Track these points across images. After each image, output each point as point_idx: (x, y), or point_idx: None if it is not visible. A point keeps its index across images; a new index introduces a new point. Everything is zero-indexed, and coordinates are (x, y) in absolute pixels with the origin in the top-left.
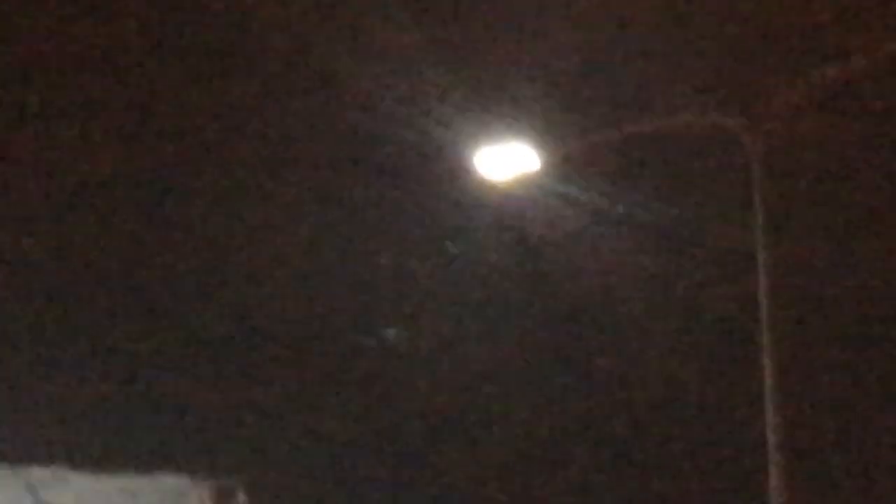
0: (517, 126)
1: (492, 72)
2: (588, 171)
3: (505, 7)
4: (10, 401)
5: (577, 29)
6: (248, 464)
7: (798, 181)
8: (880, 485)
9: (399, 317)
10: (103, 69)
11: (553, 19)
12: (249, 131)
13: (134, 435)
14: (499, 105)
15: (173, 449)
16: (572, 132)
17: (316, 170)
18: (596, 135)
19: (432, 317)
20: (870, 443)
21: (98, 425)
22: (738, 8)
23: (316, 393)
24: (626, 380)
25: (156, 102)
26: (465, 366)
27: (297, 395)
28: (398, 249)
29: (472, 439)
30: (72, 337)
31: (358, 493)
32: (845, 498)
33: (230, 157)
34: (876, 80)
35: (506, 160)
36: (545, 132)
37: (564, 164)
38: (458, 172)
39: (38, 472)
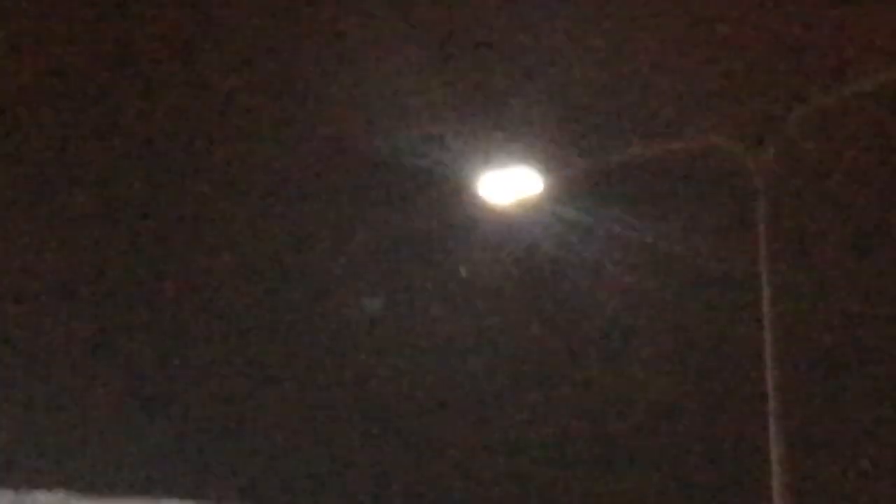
0: (520, 149)
1: (495, 95)
2: (591, 194)
3: (508, 32)
4: (14, 426)
5: (581, 53)
6: (251, 488)
7: (801, 204)
8: None
9: (401, 338)
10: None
11: (556, 44)
12: (252, 156)
13: (137, 460)
14: (502, 128)
15: (176, 474)
16: (575, 155)
17: (319, 194)
18: (599, 158)
19: (436, 339)
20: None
21: (101, 451)
22: (741, 32)
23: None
24: (629, 402)
25: (159, 124)
26: (466, 387)
27: (299, 424)
28: (401, 272)
29: (479, 459)
30: (75, 363)
31: None
32: None
33: (230, 182)
34: (878, 104)
35: (509, 183)
36: (548, 155)
37: (567, 188)
38: (462, 195)
39: (42, 498)
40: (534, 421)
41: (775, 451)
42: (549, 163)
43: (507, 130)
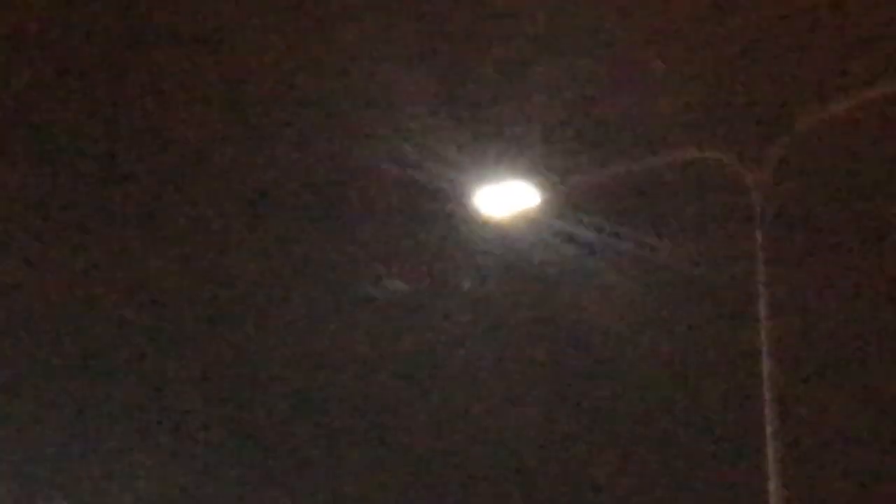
0: (517, 164)
1: (492, 110)
2: (588, 208)
3: (505, 47)
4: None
5: (577, 67)
6: None
7: (798, 217)
8: None
9: (400, 352)
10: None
11: (552, 59)
12: (249, 173)
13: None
14: (499, 142)
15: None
16: (572, 169)
17: (315, 209)
18: (596, 172)
19: (434, 353)
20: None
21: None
22: (738, 45)
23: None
24: (627, 414)
25: (155, 137)
26: (463, 398)
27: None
28: (398, 286)
29: (478, 460)
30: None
31: None
32: None
33: (227, 196)
34: (876, 117)
35: (506, 197)
36: (545, 170)
37: (564, 202)
38: (459, 210)
39: None
40: (528, 428)
41: (772, 455)
42: (545, 177)
43: (503, 144)
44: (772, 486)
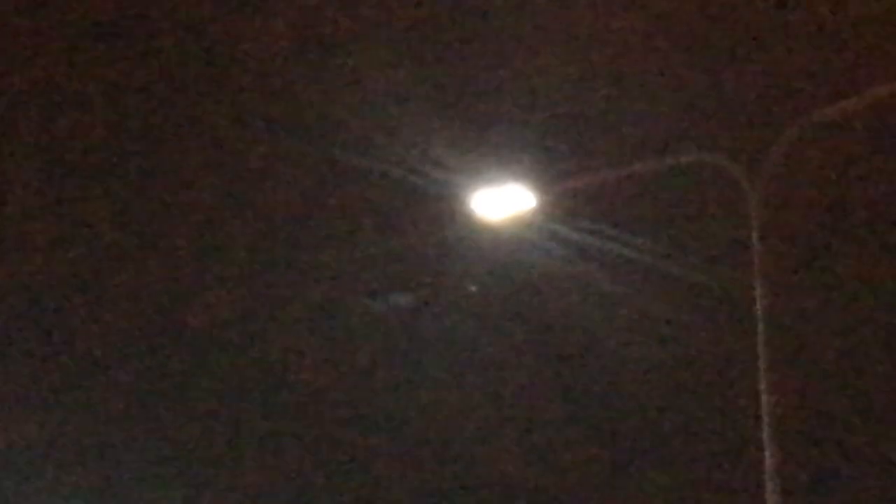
0: (513, 166)
1: (488, 113)
2: (584, 211)
3: (502, 50)
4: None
5: (574, 71)
6: None
7: (796, 220)
8: None
9: (395, 353)
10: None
11: (549, 62)
12: (245, 174)
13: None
14: (495, 146)
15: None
16: (568, 172)
17: (313, 212)
18: (592, 175)
19: (429, 354)
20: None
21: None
22: (735, 51)
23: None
24: (621, 417)
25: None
26: (459, 400)
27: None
28: (395, 288)
29: (476, 463)
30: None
31: None
32: None
33: (223, 196)
34: (873, 121)
35: (502, 200)
36: (541, 172)
37: (560, 205)
38: (455, 212)
39: None
40: (522, 431)
41: (769, 460)
42: (541, 180)
43: (500, 147)
44: (769, 491)
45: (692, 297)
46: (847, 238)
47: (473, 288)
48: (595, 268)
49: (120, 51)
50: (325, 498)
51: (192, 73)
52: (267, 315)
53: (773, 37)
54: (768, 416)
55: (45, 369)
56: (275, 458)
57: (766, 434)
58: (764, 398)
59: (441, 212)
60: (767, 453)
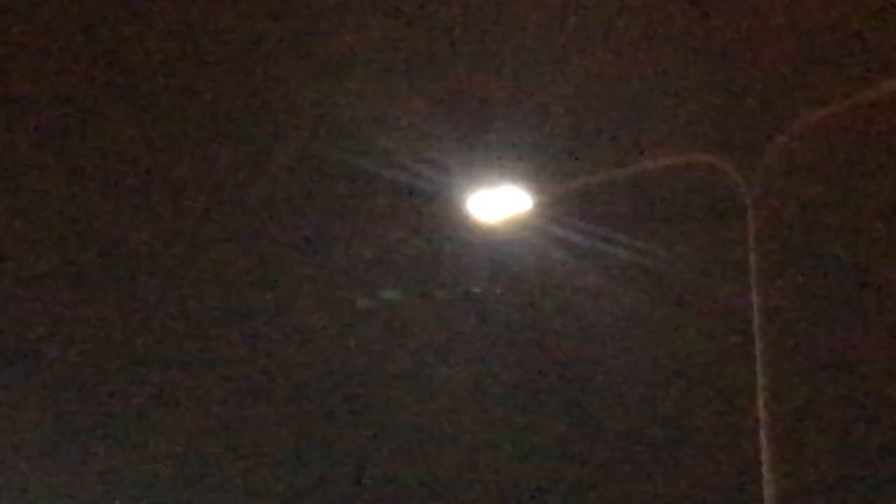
0: (509, 168)
1: (484, 114)
2: (580, 212)
3: (498, 52)
4: None
5: (569, 72)
6: None
7: (792, 221)
8: None
9: (391, 355)
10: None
11: (545, 64)
12: (243, 176)
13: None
14: (491, 147)
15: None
16: (564, 174)
17: (308, 212)
18: (588, 176)
19: (426, 355)
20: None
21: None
22: (730, 51)
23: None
24: (617, 418)
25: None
26: (455, 401)
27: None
28: (391, 289)
29: (475, 464)
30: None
31: None
32: None
33: (221, 198)
34: (870, 119)
35: (498, 202)
36: (537, 174)
37: (556, 206)
38: (451, 214)
39: None
40: (518, 431)
41: (766, 461)
42: (537, 181)
43: (495, 149)
44: (766, 491)
45: (688, 298)
46: (843, 237)
47: (477, 290)
48: (591, 269)
49: (102, 44)
50: (320, 496)
51: (191, 72)
52: (264, 316)
53: (770, 37)
54: (765, 417)
55: (45, 369)
56: (269, 455)
57: (762, 434)
58: (761, 398)
59: (437, 213)
60: (764, 454)
